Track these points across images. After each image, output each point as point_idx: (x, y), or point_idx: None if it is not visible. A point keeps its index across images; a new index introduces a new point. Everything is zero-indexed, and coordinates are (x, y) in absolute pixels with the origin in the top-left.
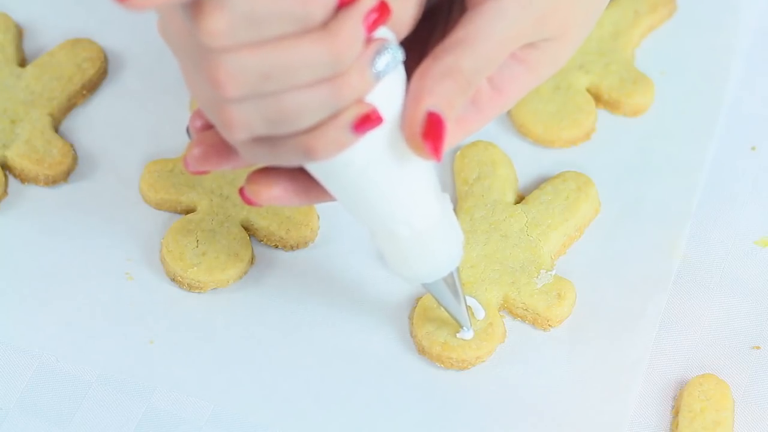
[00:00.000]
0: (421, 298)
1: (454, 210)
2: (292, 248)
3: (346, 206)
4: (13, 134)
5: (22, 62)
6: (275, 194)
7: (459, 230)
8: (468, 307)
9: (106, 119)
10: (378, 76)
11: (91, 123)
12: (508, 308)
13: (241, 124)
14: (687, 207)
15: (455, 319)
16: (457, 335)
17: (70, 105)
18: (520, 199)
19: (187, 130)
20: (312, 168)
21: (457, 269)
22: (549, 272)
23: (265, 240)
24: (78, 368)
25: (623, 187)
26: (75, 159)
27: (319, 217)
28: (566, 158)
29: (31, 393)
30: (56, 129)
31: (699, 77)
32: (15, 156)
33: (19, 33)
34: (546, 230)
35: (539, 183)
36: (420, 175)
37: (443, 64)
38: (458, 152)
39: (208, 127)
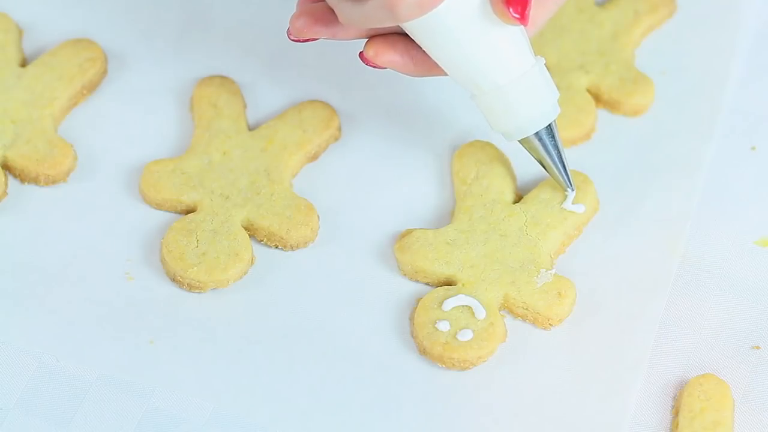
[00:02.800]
0: (421, 298)
1: (453, 209)
2: (292, 248)
3: (445, 67)
4: (14, 134)
5: (23, 62)
6: (393, 58)
7: (553, 88)
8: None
9: (106, 119)
10: None
11: (91, 123)
12: (508, 308)
13: None
14: (687, 207)
15: (555, 179)
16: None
17: (70, 105)
18: (518, 199)
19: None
20: (410, 31)
21: (554, 126)
22: (549, 271)
23: (265, 240)
24: (78, 368)
25: (623, 187)
26: (75, 159)
27: (319, 217)
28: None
29: (31, 393)
30: (56, 129)
31: (699, 77)
32: (15, 156)
33: (19, 33)
34: (545, 229)
35: (538, 182)
36: (508, 33)
37: None
38: (456, 152)
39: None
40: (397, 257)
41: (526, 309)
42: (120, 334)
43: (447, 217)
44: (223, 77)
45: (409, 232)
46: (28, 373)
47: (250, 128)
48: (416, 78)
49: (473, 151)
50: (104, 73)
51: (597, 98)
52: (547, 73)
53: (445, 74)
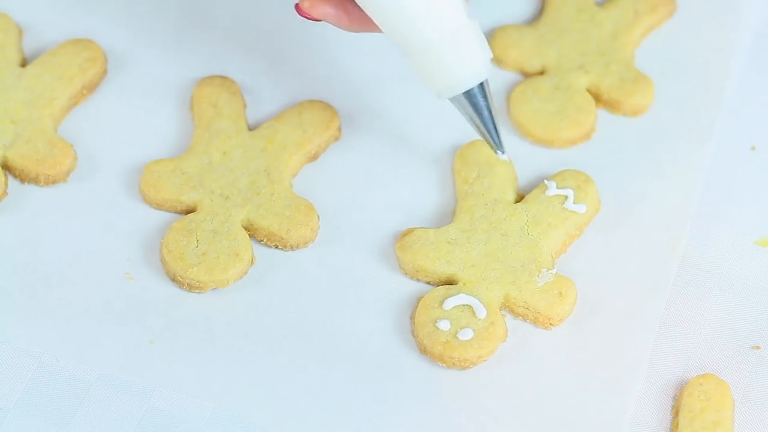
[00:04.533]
0: (422, 297)
1: (455, 209)
2: (292, 248)
3: (379, 22)
4: (14, 134)
5: (23, 62)
6: (327, 11)
7: (487, 49)
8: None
9: (106, 119)
10: None
11: (91, 123)
12: (509, 307)
13: None
14: (687, 207)
15: (486, 141)
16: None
17: (70, 105)
18: (520, 198)
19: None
20: None
21: (487, 88)
22: (550, 271)
23: (265, 240)
24: (78, 368)
25: (623, 187)
26: (75, 159)
27: (319, 217)
28: (566, 158)
29: (31, 393)
30: (56, 129)
31: (699, 77)
32: (15, 156)
33: (19, 33)
34: (546, 229)
35: (539, 182)
36: None
37: None
38: (458, 151)
39: None
40: (398, 256)
41: (527, 308)
42: (120, 334)
43: (448, 216)
44: (223, 77)
45: (410, 230)
46: (28, 373)
47: (250, 128)
48: (352, 33)
49: (475, 150)
50: (104, 73)
51: (597, 98)
52: (482, 34)
53: (380, 31)
